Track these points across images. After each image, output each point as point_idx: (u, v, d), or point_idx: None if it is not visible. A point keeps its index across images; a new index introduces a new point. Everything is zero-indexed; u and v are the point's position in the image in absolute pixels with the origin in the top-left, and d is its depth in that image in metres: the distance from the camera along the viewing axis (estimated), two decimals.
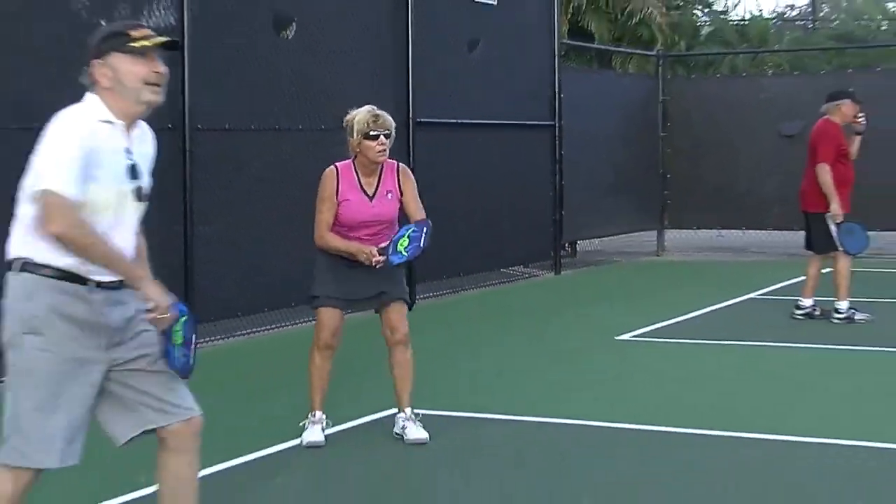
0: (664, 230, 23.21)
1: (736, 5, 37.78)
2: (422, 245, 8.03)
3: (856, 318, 13.47)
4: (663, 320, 13.86)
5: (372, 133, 8.04)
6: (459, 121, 16.52)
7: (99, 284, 4.98)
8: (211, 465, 7.61)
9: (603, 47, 25.99)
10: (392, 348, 8.32)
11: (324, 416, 8.40)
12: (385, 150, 8.14)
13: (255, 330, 12.99)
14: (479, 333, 13.13)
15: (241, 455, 7.99)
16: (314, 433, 8.25)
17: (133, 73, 5.00)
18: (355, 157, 8.21)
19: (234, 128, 12.92)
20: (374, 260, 7.94)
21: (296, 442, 8.26)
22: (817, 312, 13.78)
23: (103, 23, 11.83)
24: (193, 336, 5.24)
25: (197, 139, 12.32)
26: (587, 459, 8.12)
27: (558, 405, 9.65)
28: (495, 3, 17.57)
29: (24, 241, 4.95)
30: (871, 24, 37.64)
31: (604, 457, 8.20)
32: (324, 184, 8.19)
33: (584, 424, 9.00)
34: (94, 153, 4.88)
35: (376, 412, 8.90)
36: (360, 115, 8.12)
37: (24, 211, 4.97)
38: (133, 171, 5.06)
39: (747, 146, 22.02)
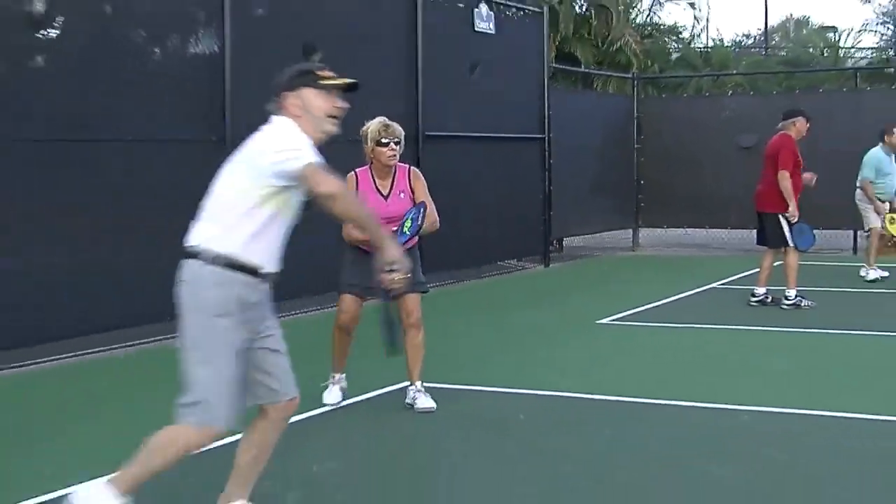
0: (638, 228, 23.26)
1: (700, 35, 37.68)
2: (419, 223, 8.11)
3: (802, 304, 13.57)
4: (637, 306, 13.89)
5: (383, 140, 8.18)
6: (461, 134, 16.56)
7: (264, 276, 5.26)
8: None
9: (586, 71, 26.03)
10: (406, 330, 8.29)
11: (343, 377, 8.69)
12: (395, 155, 8.26)
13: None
14: (479, 318, 13.17)
15: None
16: (333, 394, 8.56)
17: (319, 105, 5.30)
18: (371, 162, 8.33)
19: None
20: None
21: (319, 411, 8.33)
22: (769, 300, 13.87)
23: (157, 50, 11.98)
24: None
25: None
26: (570, 425, 8.14)
27: (546, 379, 9.67)
28: (493, 32, 17.62)
29: (218, 237, 5.13)
30: (815, 52, 37.64)
31: (585, 423, 8.23)
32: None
33: (569, 396, 9.03)
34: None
35: (391, 385, 8.93)
36: (372, 126, 8.24)
37: (224, 209, 5.18)
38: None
39: (710, 156, 22.08)
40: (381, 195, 8.29)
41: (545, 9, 20.44)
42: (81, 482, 5.59)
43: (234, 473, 5.50)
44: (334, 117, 5.34)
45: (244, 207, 5.16)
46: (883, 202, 15.99)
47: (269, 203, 5.18)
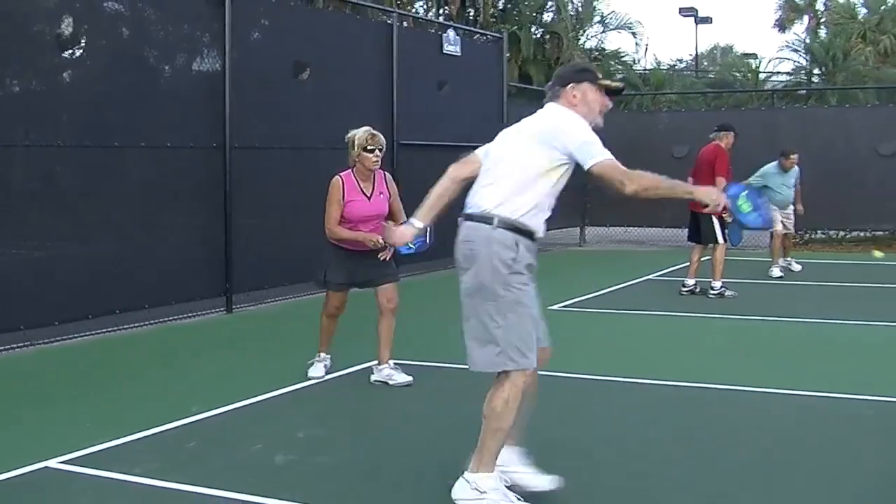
0: (585, 226, 23.29)
1: (640, 59, 37.87)
2: (427, 241, 7.76)
3: (726, 294, 13.63)
4: (584, 295, 13.91)
5: (369, 147, 8.17)
6: (431, 143, 16.55)
7: (537, 240, 5.34)
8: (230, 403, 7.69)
9: (541, 88, 25.97)
10: (384, 314, 8.39)
11: (328, 356, 8.73)
12: (378, 161, 8.26)
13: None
14: (445, 305, 13.11)
15: (252, 396, 8.04)
16: (317, 369, 8.62)
17: (597, 100, 5.43)
18: (353, 166, 8.29)
19: (263, 146, 12.96)
20: (381, 245, 8.07)
21: (305, 384, 8.32)
22: (698, 290, 13.93)
23: (167, 68, 11.98)
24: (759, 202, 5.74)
25: (236, 156, 12.40)
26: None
27: None
28: (459, 54, 17.63)
29: (505, 204, 5.22)
30: (738, 75, 37.76)
31: (540, 397, 8.23)
32: (332, 190, 8.23)
33: None
34: None
35: (369, 361, 8.84)
36: (360, 134, 8.22)
37: (512, 178, 5.27)
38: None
39: (647, 164, 21.41)
40: (365, 196, 8.27)
41: (504, 35, 20.49)
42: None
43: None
44: (602, 113, 5.48)
45: (532, 177, 5.27)
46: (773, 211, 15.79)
47: (552, 175, 5.31)
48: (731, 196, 7.44)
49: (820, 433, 7.05)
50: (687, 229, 14.36)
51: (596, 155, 5.12)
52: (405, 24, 18.31)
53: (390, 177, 8.60)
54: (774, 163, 16.23)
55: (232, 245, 12.37)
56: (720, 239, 13.57)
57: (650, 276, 16.36)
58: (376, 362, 8.50)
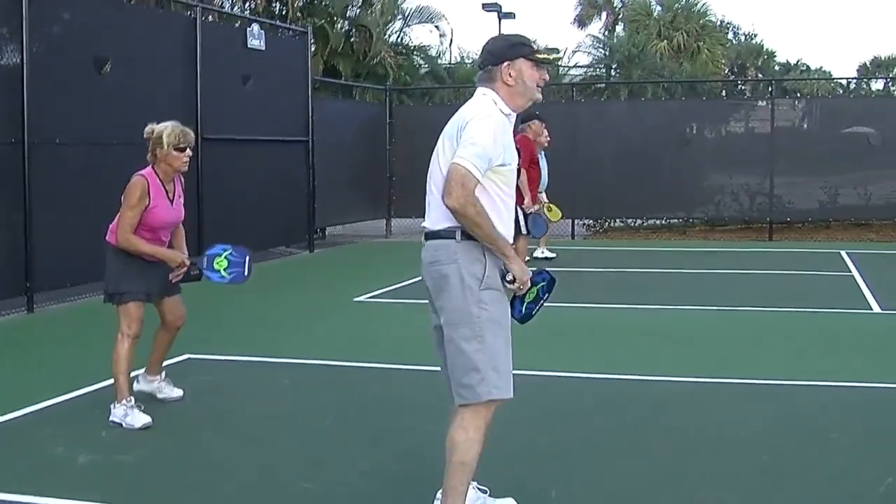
0: (391, 218, 23.39)
1: (445, 53, 38.08)
2: (245, 274, 7.41)
3: None
4: (389, 286, 14.00)
5: (181, 146, 7.12)
6: (236, 137, 16.44)
7: None
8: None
9: (346, 83, 26.08)
10: (169, 329, 7.48)
11: (160, 380, 7.70)
12: (188, 161, 7.25)
13: None
14: (251, 297, 13.04)
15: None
16: (141, 417, 7.03)
17: (534, 77, 4.82)
18: (154, 164, 7.18)
19: (63, 142, 12.64)
20: (187, 265, 7.22)
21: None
22: None
23: None
24: (545, 297, 5.09)
25: (35, 152, 12.04)
26: (328, 389, 8.18)
27: (311, 349, 9.72)
28: (263, 48, 17.52)
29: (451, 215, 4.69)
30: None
31: (348, 386, 8.29)
32: (134, 191, 7.04)
33: (330, 364, 9.08)
34: (506, 142, 4.72)
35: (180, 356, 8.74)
36: (169, 129, 7.13)
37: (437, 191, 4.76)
38: (518, 152, 5.04)
39: None
40: (169, 199, 7.24)
41: (309, 28, 20.44)
42: None
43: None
44: (540, 87, 4.90)
45: None
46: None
47: (489, 174, 4.68)
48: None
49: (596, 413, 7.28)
50: None
51: (464, 157, 4.54)
52: (209, 17, 18.12)
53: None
54: None
55: (32, 243, 12.04)
56: (522, 230, 13.77)
57: None
58: (144, 370, 7.70)
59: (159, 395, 7.61)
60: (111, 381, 7.65)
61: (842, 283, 14.32)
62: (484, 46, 4.97)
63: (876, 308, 11.98)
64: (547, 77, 4.92)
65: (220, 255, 7.38)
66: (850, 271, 15.41)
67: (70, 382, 8.18)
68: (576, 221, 22.36)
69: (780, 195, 21.50)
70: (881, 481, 5.70)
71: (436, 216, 4.80)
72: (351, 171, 21.69)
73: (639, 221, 23.39)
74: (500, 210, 4.76)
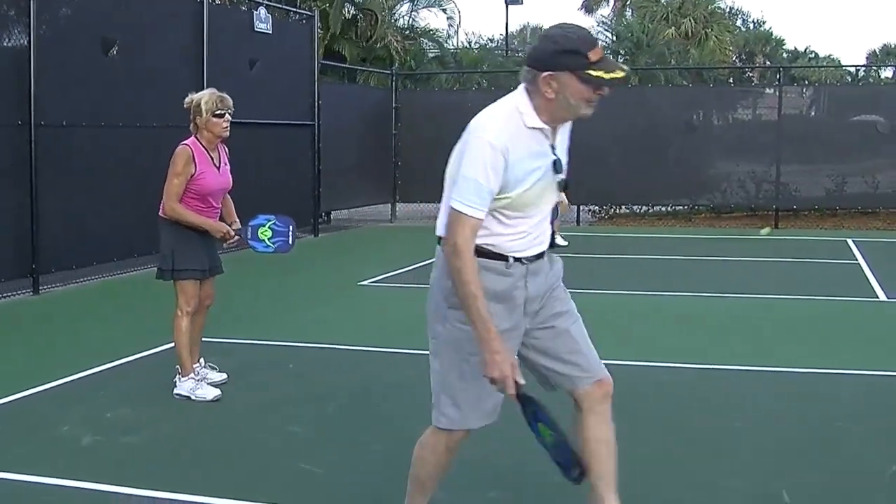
0: (396, 203, 23.41)
1: (452, 37, 38.03)
2: (290, 243, 7.52)
3: None
4: (393, 270, 14.01)
5: (219, 112, 7.19)
6: (243, 120, 16.35)
7: (517, 259, 4.10)
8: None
9: (351, 67, 26.08)
10: (200, 311, 7.45)
11: (201, 367, 7.54)
12: (228, 126, 7.31)
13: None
14: (258, 281, 13.04)
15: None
16: (211, 390, 7.26)
17: (580, 93, 3.91)
18: (197, 133, 7.24)
19: (70, 124, 12.64)
20: (231, 237, 7.31)
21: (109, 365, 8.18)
22: None
23: None
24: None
25: (42, 133, 12.06)
26: (334, 371, 8.21)
27: (315, 333, 9.72)
28: (270, 32, 17.52)
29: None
30: None
31: (352, 369, 8.31)
32: (179, 159, 7.08)
33: (335, 348, 9.10)
34: (519, 161, 3.93)
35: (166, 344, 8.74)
36: (206, 97, 7.24)
37: (448, 195, 4.05)
38: (556, 166, 4.06)
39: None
40: (215, 166, 7.29)
41: (316, 12, 20.44)
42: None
43: (595, 481, 4.39)
44: (592, 102, 3.99)
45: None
46: None
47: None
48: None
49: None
50: None
51: (460, 197, 3.93)
52: (216, 0, 18.11)
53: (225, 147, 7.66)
54: None
55: (39, 224, 12.05)
56: None
57: None
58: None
59: (207, 382, 7.40)
60: (114, 362, 7.69)
61: (848, 271, 14.31)
62: (533, 47, 4.17)
63: (882, 296, 11.97)
64: (603, 93, 3.97)
65: (265, 225, 7.47)
66: (857, 260, 15.40)
67: (74, 364, 8.19)
68: (581, 207, 22.39)
69: (787, 183, 21.49)
70: (887, 468, 5.71)
71: (440, 220, 4.15)
72: (356, 155, 21.70)
73: (644, 208, 23.40)
74: (525, 232, 4.12)
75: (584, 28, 4.06)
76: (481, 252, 4.03)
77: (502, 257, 4.08)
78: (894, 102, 22.17)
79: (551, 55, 3.93)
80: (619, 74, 3.91)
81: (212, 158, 7.27)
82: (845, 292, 12.14)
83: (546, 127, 4.03)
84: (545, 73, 3.90)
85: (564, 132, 4.18)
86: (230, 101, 7.36)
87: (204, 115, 7.18)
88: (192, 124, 7.28)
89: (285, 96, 18.23)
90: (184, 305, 7.26)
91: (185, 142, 7.22)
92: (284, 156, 18.20)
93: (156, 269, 7.41)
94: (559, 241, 16.77)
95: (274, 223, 7.50)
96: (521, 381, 3.97)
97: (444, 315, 4.15)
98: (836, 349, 9.19)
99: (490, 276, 4.05)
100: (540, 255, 4.21)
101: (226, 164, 7.45)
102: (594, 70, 3.87)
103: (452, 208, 3.94)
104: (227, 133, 7.33)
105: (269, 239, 7.46)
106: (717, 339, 9.57)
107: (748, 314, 10.79)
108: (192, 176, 7.11)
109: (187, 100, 7.30)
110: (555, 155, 4.07)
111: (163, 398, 7.21)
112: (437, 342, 4.22)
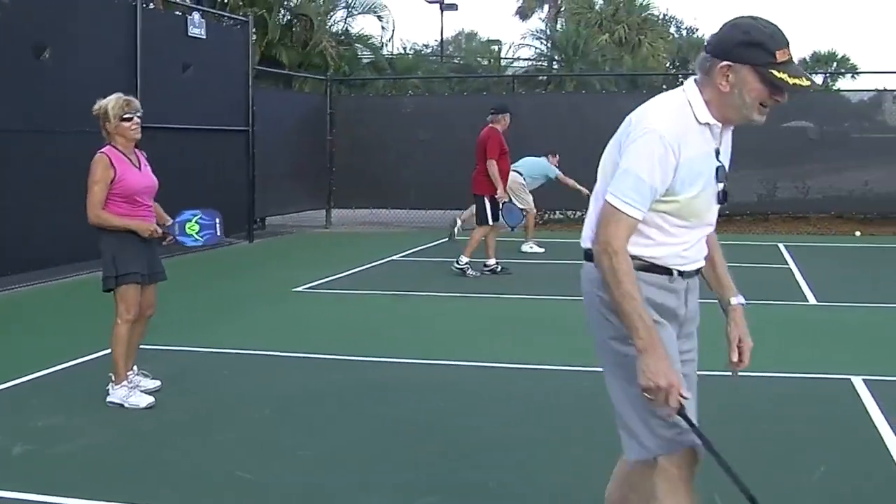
0: (331, 209, 23.34)
1: (387, 44, 38.03)
2: (218, 234, 7.55)
3: (467, 273, 13.85)
4: (328, 276, 13.96)
5: (127, 115, 7.14)
6: (177, 126, 16.34)
7: (681, 273, 3.80)
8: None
9: (286, 73, 26.00)
10: (140, 317, 7.34)
11: (134, 374, 7.45)
12: (139, 128, 7.27)
13: None
14: (195, 288, 12.96)
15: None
16: (145, 397, 7.22)
17: (757, 92, 3.55)
18: (111, 140, 7.21)
19: (1, 129, 12.51)
20: (159, 235, 7.23)
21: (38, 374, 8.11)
22: (499, 269, 14.12)
23: None
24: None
25: None
26: (271, 380, 8.18)
27: (250, 339, 9.67)
28: (204, 37, 17.42)
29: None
30: (482, 61, 38.48)
31: (284, 376, 8.28)
32: (96, 167, 7.07)
33: (269, 354, 9.06)
34: (689, 161, 3.61)
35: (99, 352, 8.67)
36: (112, 102, 7.19)
37: (598, 200, 3.72)
38: (718, 174, 3.74)
39: (392, 147, 22.44)
40: (136, 167, 7.24)
41: (250, 18, 20.36)
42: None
43: None
44: (765, 106, 3.61)
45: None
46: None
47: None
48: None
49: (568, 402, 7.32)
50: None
51: (617, 191, 3.59)
52: (150, 5, 17.98)
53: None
54: (544, 159, 17.68)
55: None
56: (489, 221, 13.80)
57: (394, 257, 16.53)
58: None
59: (140, 390, 7.35)
60: (46, 370, 7.63)
61: (779, 275, 14.47)
62: (729, 23, 3.70)
63: (812, 300, 12.13)
64: (781, 99, 3.59)
65: (191, 220, 7.49)
66: (788, 264, 15.59)
67: (4, 373, 8.08)
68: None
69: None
70: (815, 469, 5.79)
71: (586, 229, 3.81)
72: (291, 161, 21.64)
73: (579, 213, 23.49)
74: (687, 243, 3.80)
75: (776, 25, 3.64)
76: (643, 265, 3.69)
77: (667, 271, 3.77)
78: (824, 109, 22.51)
79: (736, 45, 3.56)
80: (804, 83, 3.53)
81: (130, 160, 7.24)
82: (776, 296, 12.27)
83: (717, 124, 3.68)
84: (724, 63, 3.56)
85: (728, 139, 3.82)
86: (136, 104, 7.34)
87: (112, 120, 7.18)
88: (103, 131, 7.27)
89: (220, 102, 18.13)
90: (124, 313, 7.22)
91: (102, 150, 7.20)
92: (219, 161, 18.08)
93: (100, 278, 7.31)
94: (534, 248, 16.99)
95: (200, 217, 7.55)
96: (687, 396, 3.62)
97: (620, 333, 3.68)
98: (766, 353, 9.27)
99: (654, 290, 3.73)
100: (698, 271, 3.94)
101: (146, 165, 7.41)
102: (778, 71, 3.51)
103: (608, 203, 3.59)
104: (139, 135, 7.31)
105: (197, 233, 7.51)
106: None
107: None
108: (112, 180, 7.09)
109: (95, 108, 7.27)
110: (718, 161, 3.74)
111: (96, 406, 7.16)
112: (615, 365, 3.80)
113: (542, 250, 17.04)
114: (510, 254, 16.07)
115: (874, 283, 13.67)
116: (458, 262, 13.94)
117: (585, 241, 3.77)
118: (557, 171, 17.53)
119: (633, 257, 3.62)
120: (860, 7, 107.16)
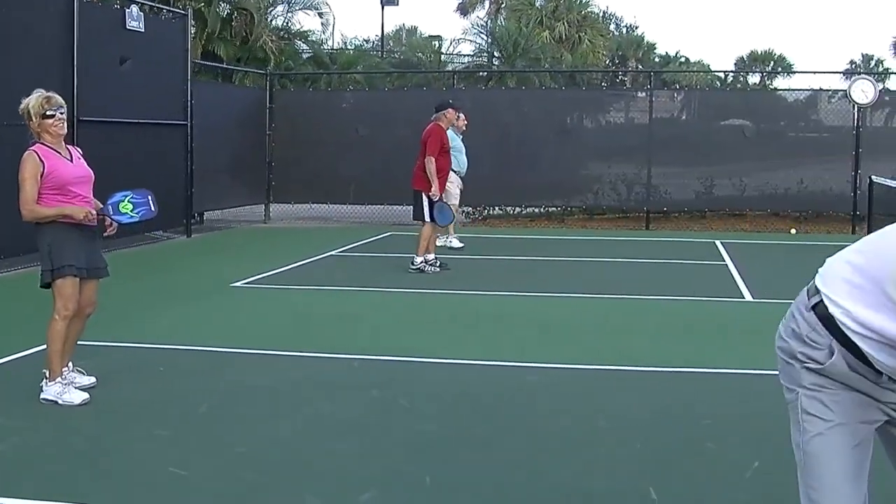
0: (270, 203, 23.22)
1: (327, 40, 37.91)
2: (153, 209, 7.57)
3: (426, 269, 13.82)
4: (266, 271, 13.89)
5: (48, 112, 7.06)
6: (114, 119, 16.20)
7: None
8: None
9: (226, 67, 25.85)
10: (79, 314, 7.28)
11: (68, 371, 7.36)
12: (64, 123, 7.18)
13: None
14: (131, 282, 12.85)
15: None
16: (79, 394, 7.15)
17: None
18: (39, 137, 7.12)
19: None
20: (93, 218, 7.17)
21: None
22: (438, 265, 14.09)
23: None
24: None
25: None
26: (208, 376, 8.12)
27: (186, 335, 9.63)
28: (142, 30, 17.27)
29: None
30: (422, 56, 38.46)
31: (220, 371, 8.22)
32: (25, 164, 6.99)
33: (206, 350, 9.02)
34: None
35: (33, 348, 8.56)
36: (33, 101, 7.12)
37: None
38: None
39: (332, 141, 22.41)
40: (67, 160, 7.17)
41: (189, 11, 20.22)
42: None
43: None
44: None
45: None
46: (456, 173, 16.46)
47: None
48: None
49: (509, 398, 7.34)
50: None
51: None
52: None
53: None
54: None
55: None
56: (427, 218, 13.79)
57: (332, 252, 16.48)
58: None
59: (76, 384, 7.31)
60: None
61: (716, 272, 14.58)
62: None
63: (748, 297, 12.23)
64: None
65: (123, 200, 7.49)
66: (724, 261, 15.71)
67: None
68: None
69: (658, 185, 21.87)
70: (749, 465, 5.83)
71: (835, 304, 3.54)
72: (230, 155, 21.52)
73: (518, 209, 23.57)
74: None
75: None
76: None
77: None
78: (761, 107, 22.81)
79: None
80: None
81: (60, 154, 7.18)
82: (713, 293, 12.36)
83: None
84: None
85: None
86: (58, 99, 7.26)
87: (34, 118, 7.11)
88: (29, 130, 7.20)
89: (158, 95, 17.97)
90: (61, 309, 7.13)
91: (31, 147, 7.13)
92: (156, 155, 17.91)
93: (37, 272, 7.25)
94: (455, 243, 16.90)
95: (132, 197, 7.58)
96: None
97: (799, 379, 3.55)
98: (703, 349, 9.37)
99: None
100: None
101: (79, 158, 7.37)
102: None
103: None
104: (64, 131, 7.23)
105: (131, 211, 7.52)
106: (585, 340, 9.69)
107: (618, 314, 10.92)
108: (42, 174, 7.01)
109: (21, 107, 7.20)
110: None
111: (29, 403, 7.07)
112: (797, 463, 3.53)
113: (461, 245, 16.92)
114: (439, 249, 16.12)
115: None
116: (412, 264, 13.90)
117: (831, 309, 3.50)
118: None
119: None
120: (798, 7, 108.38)
